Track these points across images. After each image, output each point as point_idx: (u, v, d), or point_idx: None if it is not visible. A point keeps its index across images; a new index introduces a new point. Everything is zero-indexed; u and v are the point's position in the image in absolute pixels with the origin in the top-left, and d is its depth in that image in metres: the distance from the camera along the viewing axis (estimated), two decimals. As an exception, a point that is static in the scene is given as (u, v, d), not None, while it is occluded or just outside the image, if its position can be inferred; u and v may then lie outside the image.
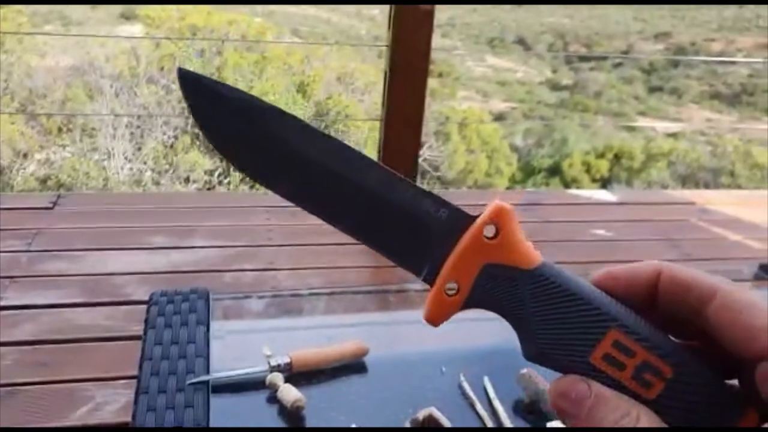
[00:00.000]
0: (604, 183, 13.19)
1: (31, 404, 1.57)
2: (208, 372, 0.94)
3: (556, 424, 0.87)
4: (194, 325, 1.03)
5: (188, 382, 0.90)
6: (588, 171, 13.55)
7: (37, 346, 1.76)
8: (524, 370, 0.94)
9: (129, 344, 1.75)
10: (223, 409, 0.88)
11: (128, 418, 1.53)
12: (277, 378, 0.91)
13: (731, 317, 0.35)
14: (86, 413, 1.55)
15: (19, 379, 1.64)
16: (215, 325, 1.05)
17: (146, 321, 1.04)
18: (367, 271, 2.31)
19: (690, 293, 0.37)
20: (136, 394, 0.88)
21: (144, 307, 1.08)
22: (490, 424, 0.87)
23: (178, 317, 1.05)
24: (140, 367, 0.93)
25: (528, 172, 14.22)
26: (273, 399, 0.90)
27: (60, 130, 8.66)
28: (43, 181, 8.11)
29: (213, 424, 0.85)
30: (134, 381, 0.92)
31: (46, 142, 8.64)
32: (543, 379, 0.93)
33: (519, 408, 0.92)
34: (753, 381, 0.34)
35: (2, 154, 7.96)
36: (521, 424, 0.89)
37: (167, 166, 8.46)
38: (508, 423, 0.87)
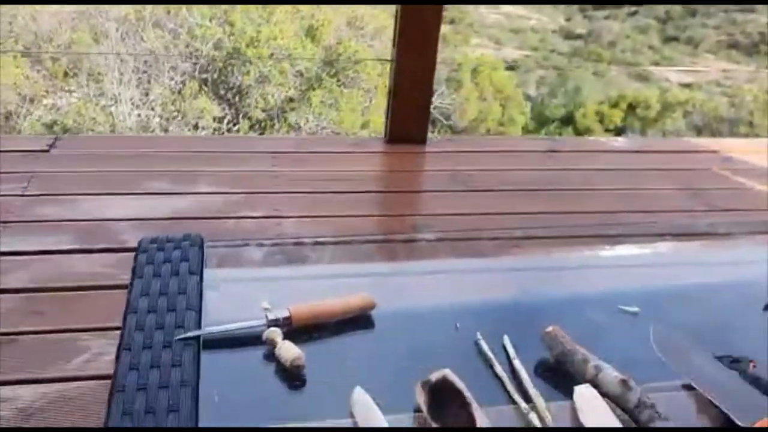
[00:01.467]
0: (618, 133, 12.98)
1: (27, 354, 1.50)
2: (199, 326, 0.85)
3: (583, 388, 0.78)
4: (186, 275, 0.94)
5: (177, 337, 0.82)
6: (601, 121, 13.32)
7: (32, 294, 1.69)
8: (549, 328, 0.85)
9: (125, 293, 1.67)
10: (214, 368, 0.80)
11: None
12: (275, 334, 0.83)
13: None
14: (82, 363, 1.49)
15: (14, 328, 1.57)
16: (209, 275, 0.97)
17: (133, 270, 0.95)
18: (375, 220, 2.22)
19: None
20: (118, 350, 0.79)
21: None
22: (510, 386, 0.79)
23: (168, 266, 0.96)
24: (124, 321, 0.85)
25: (541, 121, 14.01)
26: (270, 356, 0.82)
27: (66, 74, 8.51)
28: (50, 126, 8.01)
29: (203, 384, 0.77)
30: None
31: (52, 86, 8.50)
32: (570, 339, 0.84)
33: (542, 369, 0.83)
34: None
35: (8, 98, 7.84)
36: (544, 387, 0.80)
37: (175, 113, 8.33)
38: (530, 386, 0.79)
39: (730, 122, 12.28)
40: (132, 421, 0.69)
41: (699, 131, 12.08)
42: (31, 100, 8.24)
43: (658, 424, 0.72)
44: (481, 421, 0.69)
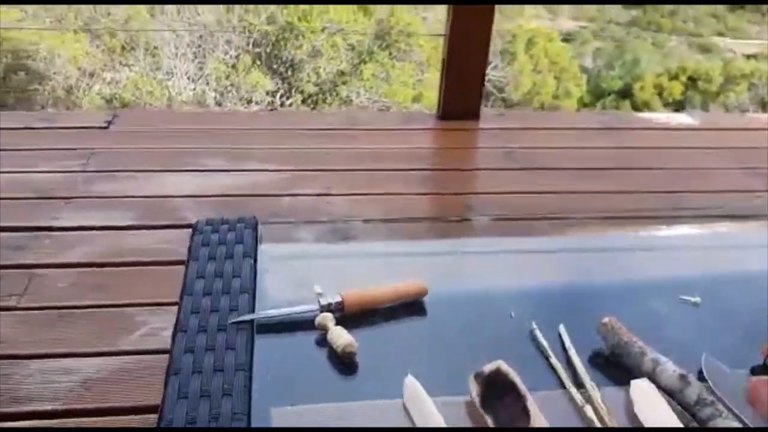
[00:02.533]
0: (678, 107, 12.57)
1: (84, 327, 1.55)
2: (253, 310, 0.86)
3: (640, 382, 0.76)
4: (240, 257, 0.95)
5: (231, 320, 0.83)
6: (660, 94, 12.91)
7: (92, 269, 1.74)
8: (606, 319, 0.83)
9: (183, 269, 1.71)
10: (267, 352, 0.81)
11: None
12: (328, 319, 0.83)
13: None
14: (139, 338, 1.53)
15: (74, 302, 1.62)
16: (263, 257, 0.97)
17: (189, 251, 0.97)
18: (427, 199, 2.20)
19: None
20: (174, 332, 0.81)
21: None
22: (565, 377, 0.77)
23: (223, 248, 0.97)
24: (180, 303, 0.86)
25: (597, 94, 13.66)
26: (322, 341, 0.82)
27: (123, 48, 8.67)
28: (109, 100, 8.19)
29: (256, 367, 0.78)
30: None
31: (110, 61, 8.68)
32: (627, 330, 0.81)
33: (598, 360, 0.82)
34: None
35: (69, 73, 8.05)
36: (600, 378, 0.78)
37: (229, 86, 8.42)
38: (586, 378, 0.77)
39: (798, 96, 11.76)
40: (187, 404, 0.70)
41: (764, 105, 11.60)
42: (91, 75, 8.43)
43: (719, 422, 0.70)
44: (536, 414, 0.68)
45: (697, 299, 0.93)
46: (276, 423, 0.71)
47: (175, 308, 1.59)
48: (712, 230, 1.29)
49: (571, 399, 0.75)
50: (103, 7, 9.03)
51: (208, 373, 0.74)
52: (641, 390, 0.75)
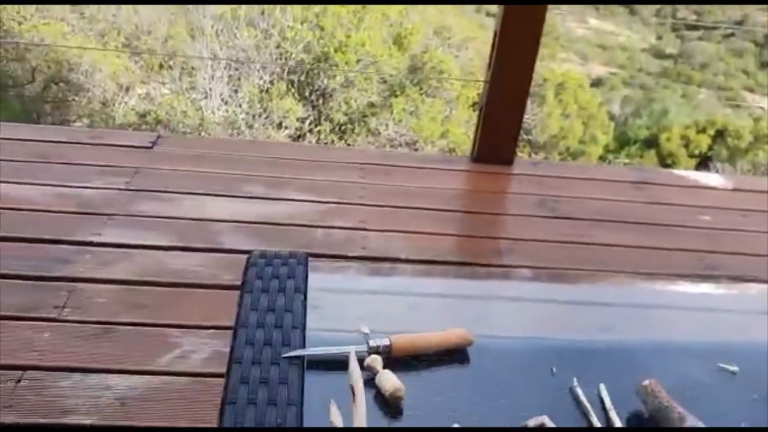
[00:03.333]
0: (703, 160, 12.52)
1: (122, 345, 1.59)
2: (304, 345, 0.89)
3: (680, 447, 0.78)
4: (292, 292, 0.99)
5: (284, 355, 0.86)
6: (687, 146, 12.87)
7: (131, 287, 1.78)
8: (646, 382, 0.85)
9: (220, 293, 1.75)
10: (317, 388, 0.84)
11: (213, 369, 1.53)
12: (377, 362, 0.86)
13: None
14: (173, 360, 1.56)
15: (114, 318, 1.66)
16: (313, 294, 1.01)
17: (243, 284, 1.00)
18: (459, 240, 2.24)
19: None
20: (229, 363, 0.84)
21: (238, 256, 1.05)
22: (604, 437, 0.79)
23: (276, 282, 1.01)
24: (234, 335, 0.89)
25: (623, 142, 13.65)
26: (370, 382, 0.85)
27: (161, 66, 8.86)
28: (143, 116, 8.34)
29: (307, 403, 0.80)
30: (222, 332, 0.88)
31: (147, 77, 8.87)
32: (667, 394, 0.84)
33: (637, 422, 0.84)
34: None
35: (107, 87, 8.23)
36: (638, 440, 0.80)
37: (261, 111, 8.55)
38: (625, 439, 0.79)
39: (828, 158, 11.67)
40: (244, 435, 0.73)
41: (793, 165, 11.52)
42: (127, 89, 8.61)
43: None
44: (578, 472, 0.71)
45: (735, 368, 0.95)
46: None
47: (207, 332, 1.63)
48: (746, 293, 1.30)
49: (612, 459, 0.77)
50: (145, 24, 9.25)
51: (261, 406, 0.78)
52: (680, 456, 0.77)
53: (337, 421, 0.71)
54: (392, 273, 1.25)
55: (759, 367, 0.99)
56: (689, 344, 1.05)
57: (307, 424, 0.77)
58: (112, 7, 8.90)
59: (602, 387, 0.86)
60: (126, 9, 9.25)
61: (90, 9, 8.79)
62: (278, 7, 8.63)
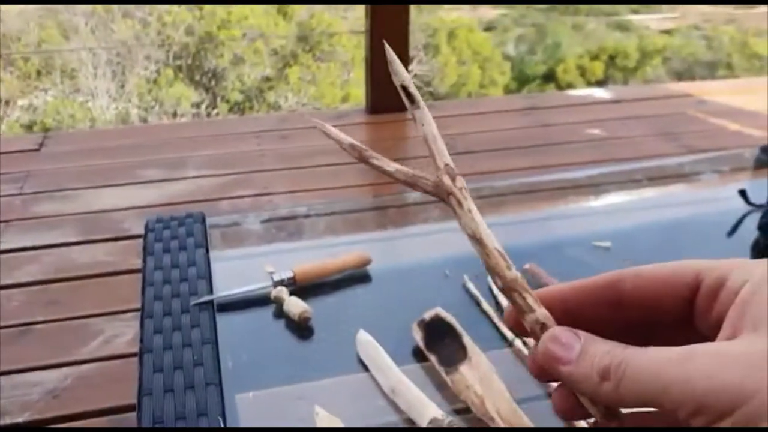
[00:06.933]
0: (600, 85, 13.00)
1: (43, 342, 1.59)
2: (211, 292, 0.93)
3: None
4: (193, 248, 1.02)
5: (192, 302, 0.90)
6: (583, 74, 13.30)
7: (42, 286, 1.77)
8: (527, 265, 0.94)
9: (132, 278, 1.75)
10: (230, 327, 0.88)
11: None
12: (282, 292, 0.91)
13: None
14: (98, 346, 1.58)
15: (28, 319, 1.65)
16: (214, 246, 1.05)
17: (144, 248, 1.03)
18: (364, 190, 2.30)
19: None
20: (141, 318, 0.88)
21: (142, 240, 1.07)
22: (496, 320, 0.88)
23: (176, 242, 1.04)
24: (142, 293, 0.93)
25: (522, 80, 13.96)
26: (279, 313, 0.90)
27: (39, 73, 8.46)
28: (29, 127, 7.98)
29: (221, 341, 0.85)
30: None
31: (27, 87, 8.45)
32: (546, 273, 0.93)
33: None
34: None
35: (-17, 102, 7.81)
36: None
37: (153, 102, 8.32)
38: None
39: (710, 65, 12.33)
40: (163, 376, 0.77)
41: (679, 77, 12.13)
42: (7, 102, 8.20)
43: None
44: (472, 349, 0.78)
45: (608, 244, 1.05)
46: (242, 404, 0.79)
47: (127, 315, 1.65)
48: (627, 191, 1.42)
49: (503, 336, 0.85)
50: (14, 31, 8.79)
51: (178, 349, 0.82)
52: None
53: (333, 422, 0.71)
54: (295, 223, 1.29)
55: (630, 241, 1.10)
56: (568, 235, 1.15)
57: (222, 360, 0.82)
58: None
59: (489, 279, 0.95)
60: (-10, 18, 8.73)
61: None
62: (152, -7, 8.35)
